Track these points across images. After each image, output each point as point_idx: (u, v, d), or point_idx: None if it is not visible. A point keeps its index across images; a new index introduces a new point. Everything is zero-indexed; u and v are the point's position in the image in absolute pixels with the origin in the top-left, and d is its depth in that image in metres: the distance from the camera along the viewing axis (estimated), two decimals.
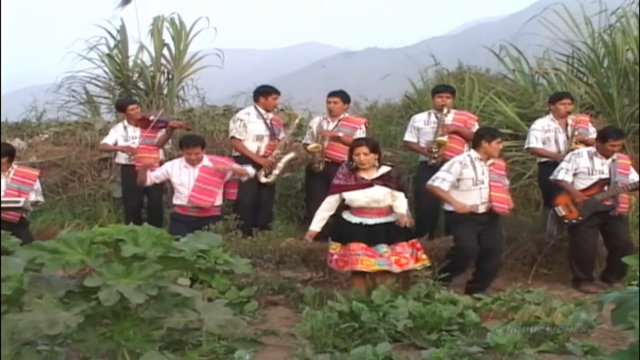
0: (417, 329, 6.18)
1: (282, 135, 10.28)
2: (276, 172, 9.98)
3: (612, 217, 8.52)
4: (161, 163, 10.01)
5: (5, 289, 3.47)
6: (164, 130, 10.48)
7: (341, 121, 10.11)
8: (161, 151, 10.53)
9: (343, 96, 10.18)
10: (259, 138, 10.04)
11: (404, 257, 7.31)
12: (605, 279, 8.62)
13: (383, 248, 7.29)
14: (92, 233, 3.46)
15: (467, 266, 8.23)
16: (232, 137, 10.18)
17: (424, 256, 7.49)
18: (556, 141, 9.57)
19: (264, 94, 10.20)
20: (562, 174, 8.59)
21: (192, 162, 9.09)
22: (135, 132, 10.44)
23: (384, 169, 7.49)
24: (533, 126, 9.82)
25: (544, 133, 9.65)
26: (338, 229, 7.53)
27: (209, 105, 14.91)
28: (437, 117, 9.88)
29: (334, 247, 7.47)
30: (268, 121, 10.10)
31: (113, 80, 15.55)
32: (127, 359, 3.42)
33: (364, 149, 7.39)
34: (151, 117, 10.49)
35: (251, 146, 10.01)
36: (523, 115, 11.86)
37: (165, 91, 15.30)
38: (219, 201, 9.16)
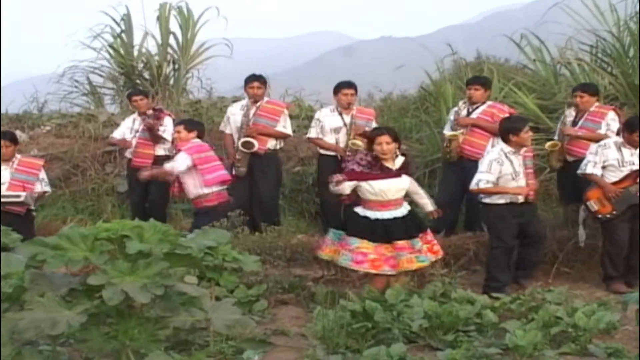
0: (433, 330, 6.18)
1: (282, 125, 10.34)
2: (238, 164, 10.03)
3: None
4: (160, 158, 10.03)
5: (6, 287, 3.48)
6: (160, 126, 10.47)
7: (355, 113, 10.14)
8: (163, 147, 10.46)
9: (356, 87, 10.22)
10: (238, 130, 10.18)
11: (435, 244, 7.52)
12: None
13: (419, 243, 7.36)
14: (95, 229, 3.47)
15: (509, 262, 8.26)
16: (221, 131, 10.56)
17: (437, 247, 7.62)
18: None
19: (245, 83, 10.36)
20: (590, 167, 8.46)
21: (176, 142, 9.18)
22: (140, 126, 10.48)
23: (401, 158, 7.51)
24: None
25: (561, 125, 9.68)
26: (358, 225, 7.41)
27: (217, 97, 14.93)
28: (467, 110, 9.87)
29: (367, 247, 7.34)
30: (252, 112, 10.13)
31: (117, 70, 15.59)
32: None
33: (386, 138, 7.36)
34: (148, 112, 10.50)
35: (235, 139, 10.21)
36: (544, 107, 11.82)
37: (171, 82, 15.32)
38: (193, 192, 8.90)
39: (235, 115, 10.28)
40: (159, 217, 9.71)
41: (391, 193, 7.36)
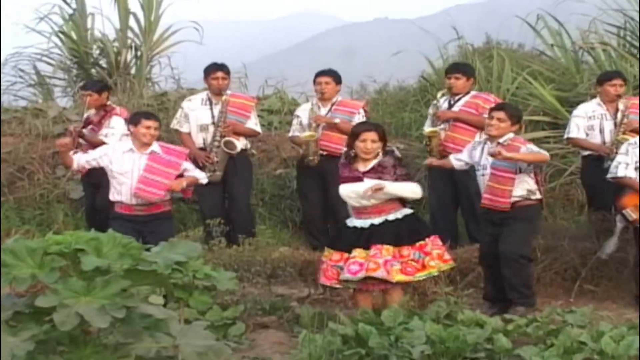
0: (437, 357, 6.17)
1: (254, 122, 10.32)
2: (213, 168, 9.95)
3: None
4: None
5: None
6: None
7: (334, 105, 10.15)
8: None
9: (334, 75, 10.24)
10: (203, 128, 10.14)
11: (411, 264, 7.21)
12: None
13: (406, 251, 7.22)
14: (45, 242, 3.46)
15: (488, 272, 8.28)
16: (176, 130, 10.48)
17: (447, 256, 7.43)
18: (601, 130, 9.46)
19: (207, 73, 10.31)
20: (621, 169, 8.34)
21: (145, 143, 8.77)
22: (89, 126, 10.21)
23: (375, 161, 7.39)
24: (575, 112, 9.77)
25: (587, 120, 9.57)
26: (338, 235, 7.45)
27: (186, 88, 14.90)
28: (449, 103, 9.89)
29: (326, 255, 7.41)
30: (217, 107, 10.09)
31: (68, 57, 15.53)
32: None
33: (372, 135, 7.28)
34: (90, 112, 10.23)
35: (197, 138, 10.15)
36: (564, 99, 11.84)
37: (132, 71, 15.29)
38: (169, 194, 8.83)
39: (195, 110, 10.20)
40: (105, 226, 9.58)
41: (353, 199, 7.32)
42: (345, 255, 7.25)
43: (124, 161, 8.70)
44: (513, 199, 7.93)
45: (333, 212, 9.85)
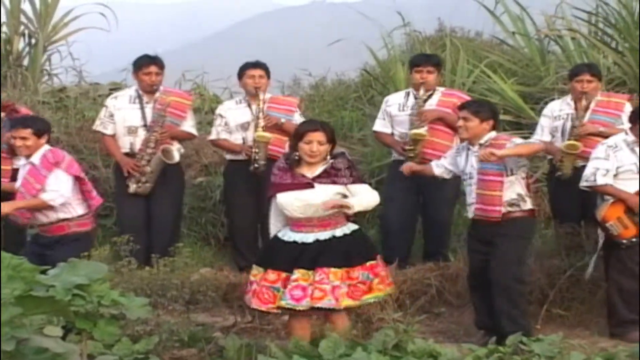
0: None
1: (190, 124, 10.20)
2: (144, 179, 9.82)
3: None
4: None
5: None
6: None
7: (267, 103, 10.03)
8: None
9: (267, 69, 10.19)
10: (131, 131, 10.00)
11: (359, 286, 7.12)
12: None
13: (312, 275, 7.08)
14: None
15: (479, 300, 8.29)
16: (98, 132, 10.33)
17: (390, 279, 7.40)
18: (563, 132, 9.49)
19: (136, 67, 10.17)
20: (600, 176, 8.30)
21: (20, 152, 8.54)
22: None
23: (329, 161, 7.29)
24: (543, 111, 9.85)
25: (553, 121, 9.60)
26: (271, 251, 7.36)
27: (89, 83, 14.78)
28: (416, 100, 9.84)
29: (255, 274, 7.30)
30: (149, 107, 9.99)
31: None
32: None
33: (318, 136, 7.17)
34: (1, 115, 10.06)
35: (123, 142, 10.01)
36: (527, 95, 11.93)
37: (25, 62, 15.12)
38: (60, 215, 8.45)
39: (122, 110, 10.02)
40: (13, 243, 9.43)
41: (297, 210, 7.23)
42: (284, 275, 7.11)
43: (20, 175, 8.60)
44: (503, 209, 7.96)
45: (265, 225, 9.75)
